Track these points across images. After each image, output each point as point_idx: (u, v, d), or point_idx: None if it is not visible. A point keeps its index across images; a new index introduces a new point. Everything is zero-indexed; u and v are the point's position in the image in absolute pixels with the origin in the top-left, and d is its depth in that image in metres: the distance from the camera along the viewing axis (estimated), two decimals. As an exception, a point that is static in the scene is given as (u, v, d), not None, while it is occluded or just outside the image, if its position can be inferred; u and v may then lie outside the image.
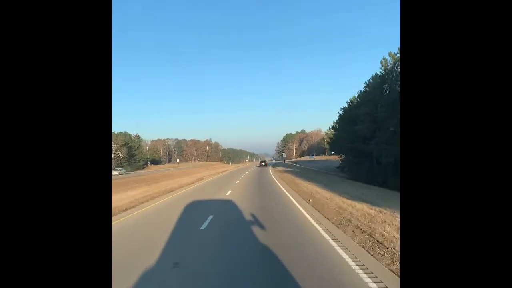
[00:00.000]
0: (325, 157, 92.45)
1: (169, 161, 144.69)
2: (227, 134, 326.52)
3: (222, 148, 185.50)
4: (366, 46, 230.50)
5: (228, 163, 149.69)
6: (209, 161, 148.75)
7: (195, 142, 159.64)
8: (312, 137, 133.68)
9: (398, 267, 3.89)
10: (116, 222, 8.23)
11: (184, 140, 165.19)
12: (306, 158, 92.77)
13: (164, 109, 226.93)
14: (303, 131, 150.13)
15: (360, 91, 28.10)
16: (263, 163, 59.63)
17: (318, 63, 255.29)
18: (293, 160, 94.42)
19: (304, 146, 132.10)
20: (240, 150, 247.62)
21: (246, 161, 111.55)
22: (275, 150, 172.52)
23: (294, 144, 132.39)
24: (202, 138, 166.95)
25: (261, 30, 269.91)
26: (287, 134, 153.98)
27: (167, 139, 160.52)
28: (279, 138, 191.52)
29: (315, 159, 79.64)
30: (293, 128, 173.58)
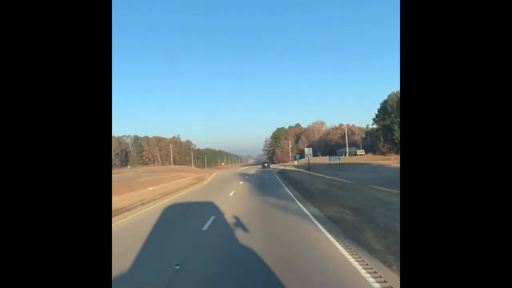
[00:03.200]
0: (351, 158, 59.43)
1: (125, 164, 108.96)
2: (207, 134, 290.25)
3: (195, 148, 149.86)
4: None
5: (201, 167, 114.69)
6: (176, 164, 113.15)
7: (158, 140, 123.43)
8: (313, 132, 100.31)
9: None
10: None
11: (146, 137, 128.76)
12: (317, 159, 60.39)
13: (130, 102, 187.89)
14: (298, 126, 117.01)
15: None
16: (265, 164, 52.86)
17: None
18: (295, 163, 60.28)
19: (303, 144, 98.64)
20: (220, 151, 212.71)
21: (222, 165, 75.85)
22: (263, 149, 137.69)
23: (289, 141, 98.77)
24: (171, 136, 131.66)
25: (246, 15, 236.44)
26: (278, 129, 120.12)
27: (124, 136, 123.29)
28: (267, 135, 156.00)
29: (340, 161, 46.07)
30: (284, 123, 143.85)
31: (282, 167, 46.87)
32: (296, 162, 65.16)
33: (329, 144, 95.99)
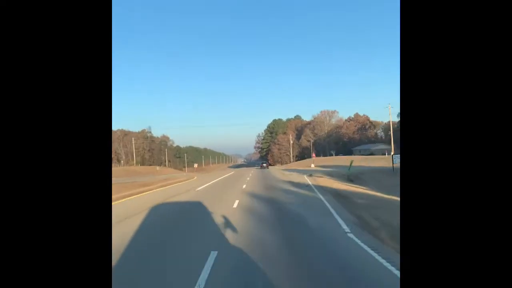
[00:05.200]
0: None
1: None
2: (191, 131, 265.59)
3: (174, 146, 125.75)
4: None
5: (179, 168, 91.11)
6: (145, 164, 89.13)
7: (124, 134, 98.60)
8: (321, 124, 77.01)
9: None
10: None
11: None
12: (339, 160, 38.05)
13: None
14: (298, 118, 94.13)
15: None
16: (264, 164, 52.78)
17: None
18: (312, 166, 36.80)
19: (307, 139, 75.62)
20: (205, 149, 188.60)
21: (195, 168, 52.66)
22: (255, 147, 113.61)
23: (290, 136, 75.47)
24: (155, 134, 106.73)
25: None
26: (274, 121, 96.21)
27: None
28: (260, 131, 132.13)
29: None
30: (281, 116, 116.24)
31: (310, 181, 20.51)
32: (312, 165, 41.58)
33: (341, 139, 73.19)
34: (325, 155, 69.32)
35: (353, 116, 75.60)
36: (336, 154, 62.90)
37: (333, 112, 77.22)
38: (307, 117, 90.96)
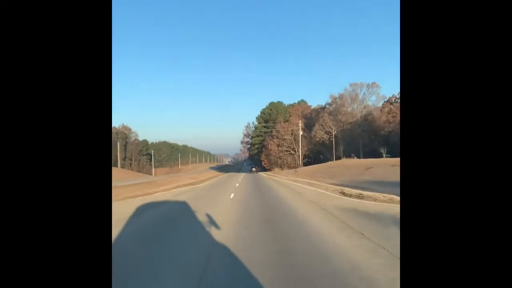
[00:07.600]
0: None
1: None
2: (176, 128, 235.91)
3: (139, 141, 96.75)
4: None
5: (139, 171, 63.06)
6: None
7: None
8: (348, 109, 48.54)
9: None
10: None
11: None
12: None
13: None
14: (303, 103, 66.67)
15: None
16: (253, 169, 49.32)
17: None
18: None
19: (324, 131, 47.77)
20: (184, 146, 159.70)
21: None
22: (243, 142, 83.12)
23: (300, 124, 47.85)
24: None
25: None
26: (271, 104, 67.43)
27: None
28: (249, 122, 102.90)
29: None
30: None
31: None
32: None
33: (378, 132, 45.73)
34: (358, 156, 42.01)
35: (397, 95, 48.42)
36: (390, 155, 35.90)
37: (371, 85, 47.89)
38: (313, 103, 63.80)
